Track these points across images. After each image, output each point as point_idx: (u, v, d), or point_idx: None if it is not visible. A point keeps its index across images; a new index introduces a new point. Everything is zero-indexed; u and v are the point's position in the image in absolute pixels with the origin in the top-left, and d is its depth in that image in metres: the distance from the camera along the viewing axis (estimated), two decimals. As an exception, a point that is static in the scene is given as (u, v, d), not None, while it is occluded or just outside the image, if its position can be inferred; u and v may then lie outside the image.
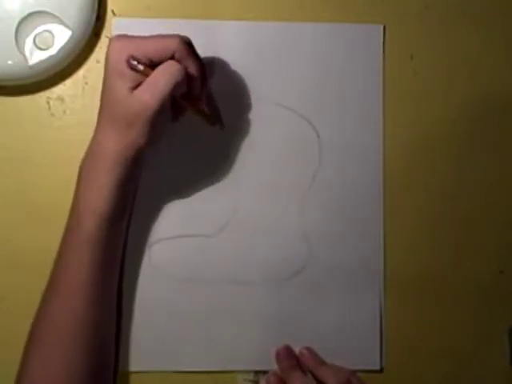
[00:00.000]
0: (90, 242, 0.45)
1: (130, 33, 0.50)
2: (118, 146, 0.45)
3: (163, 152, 0.51)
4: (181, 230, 0.51)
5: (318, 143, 0.52)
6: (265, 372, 0.51)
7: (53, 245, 0.50)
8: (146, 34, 0.50)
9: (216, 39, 0.51)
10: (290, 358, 0.51)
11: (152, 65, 0.43)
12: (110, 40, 0.44)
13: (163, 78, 0.43)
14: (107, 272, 0.47)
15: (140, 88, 0.43)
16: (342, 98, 0.52)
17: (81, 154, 0.50)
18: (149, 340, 0.50)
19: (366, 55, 0.52)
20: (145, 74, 0.43)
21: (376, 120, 0.52)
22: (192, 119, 0.49)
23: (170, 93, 0.43)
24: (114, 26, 0.51)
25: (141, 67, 0.43)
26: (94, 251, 0.45)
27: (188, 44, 0.45)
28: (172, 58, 0.44)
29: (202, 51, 0.50)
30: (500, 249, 0.53)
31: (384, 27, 0.52)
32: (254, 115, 0.52)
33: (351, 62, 0.52)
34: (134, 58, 0.43)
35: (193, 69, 0.45)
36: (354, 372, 0.49)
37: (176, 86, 0.43)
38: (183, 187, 0.51)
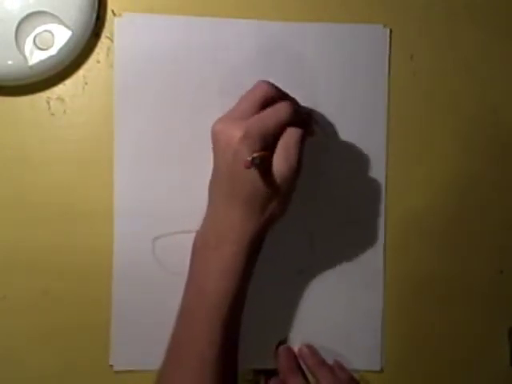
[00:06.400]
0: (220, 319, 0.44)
1: (131, 32, 0.50)
2: (255, 226, 0.43)
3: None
4: (185, 226, 0.51)
5: (323, 143, 0.51)
6: (265, 372, 0.51)
7: (53, 245, 0.51)
8: (148, 34, 0.50)
9: (219, 38, 0.50)
10: (290, 360, 0.51)
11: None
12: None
13: (292, 141, 0.42)
14: (232, 349, 0.46)
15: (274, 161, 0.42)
16: (347, 98, 0.51)
17: (81, 154, 0.51)
18: (149, 338, 0.50)
19: (369, 55, 0.51)
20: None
21: (380, 120, 0.52)
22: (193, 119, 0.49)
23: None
24: (116, 25, 0.50)
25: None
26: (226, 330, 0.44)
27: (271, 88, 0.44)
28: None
29: (205, 49, 0.50)
30: (500, 249, 0.53)
31: (384, 27, 0.52)
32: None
33: (355, 62, 0.51)
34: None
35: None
36: (353, 377, 0.49)
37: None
38: (188, 183, 0.51)
